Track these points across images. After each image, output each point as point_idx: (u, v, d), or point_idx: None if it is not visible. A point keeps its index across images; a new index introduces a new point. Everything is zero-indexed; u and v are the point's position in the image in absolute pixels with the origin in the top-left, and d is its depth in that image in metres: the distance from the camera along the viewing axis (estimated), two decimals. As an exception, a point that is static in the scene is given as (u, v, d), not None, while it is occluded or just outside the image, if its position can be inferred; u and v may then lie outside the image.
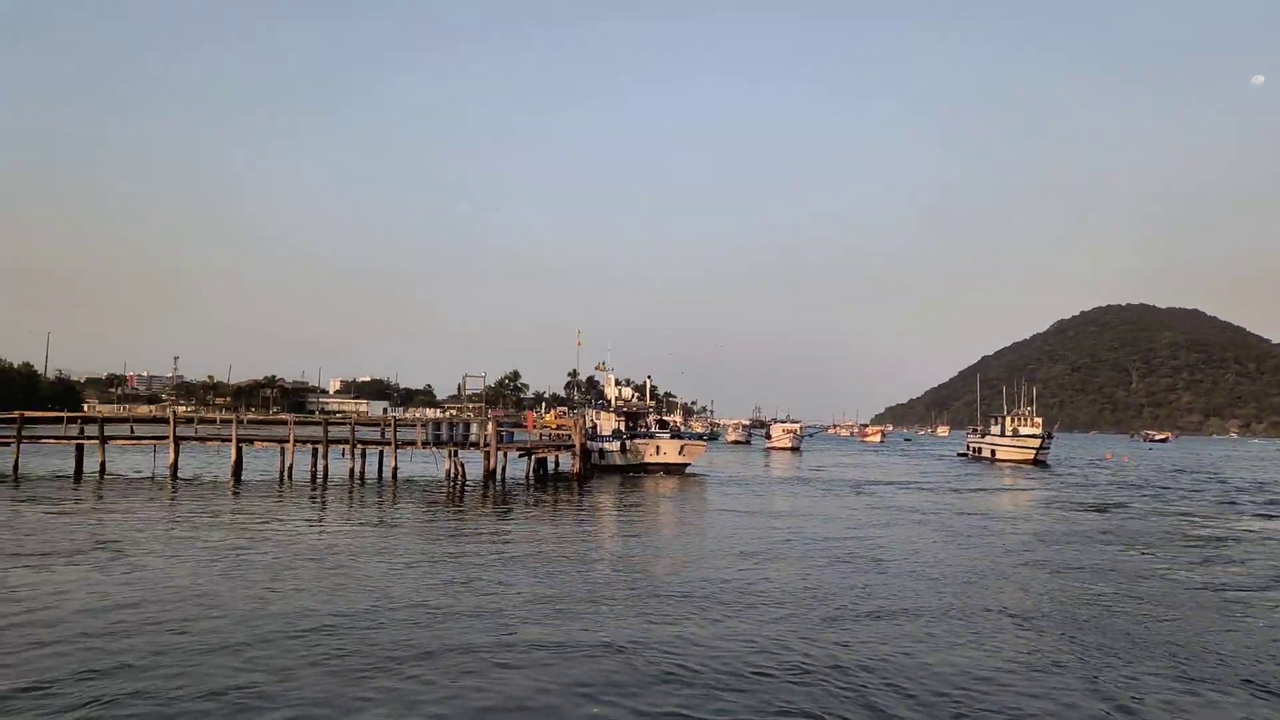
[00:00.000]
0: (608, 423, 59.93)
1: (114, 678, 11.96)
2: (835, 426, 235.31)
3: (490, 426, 47.47)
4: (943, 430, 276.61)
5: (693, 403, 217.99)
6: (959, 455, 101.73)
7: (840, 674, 12.94)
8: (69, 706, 10.85)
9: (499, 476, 46.08)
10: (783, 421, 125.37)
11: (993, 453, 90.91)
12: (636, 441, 56.60)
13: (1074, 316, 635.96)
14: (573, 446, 50.66)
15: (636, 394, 67.34)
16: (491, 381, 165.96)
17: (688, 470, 56.55)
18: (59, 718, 10.52)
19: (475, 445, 47.04)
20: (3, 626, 14.51)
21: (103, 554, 21.84)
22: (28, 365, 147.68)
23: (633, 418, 61.21)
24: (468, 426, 49.54)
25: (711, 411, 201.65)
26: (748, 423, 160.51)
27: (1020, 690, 12.50)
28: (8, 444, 46.05)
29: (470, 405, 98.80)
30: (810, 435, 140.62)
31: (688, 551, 25.11)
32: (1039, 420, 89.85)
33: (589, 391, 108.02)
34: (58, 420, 53.51)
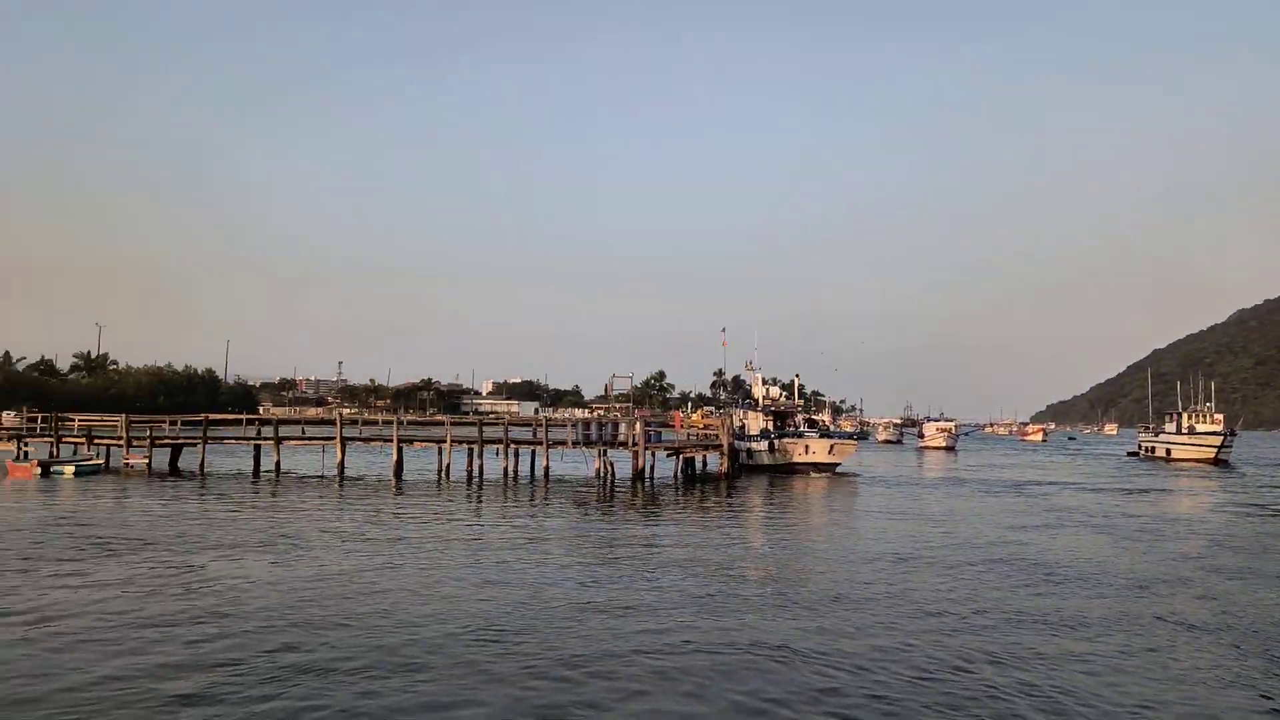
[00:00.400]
0: (755, 422, 59.57)
1: (300, 656, 12.71)
2: (992, 425, 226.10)
3: (638, 426, 47.97)
4: (1110, 428, 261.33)
5: (841, 401, 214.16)
6: (1129, 455, 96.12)
7: (996, 695, 12.11)
8: (266, 681, 11.59)
9: (647, 476, 46.49)
10: (936, 420, 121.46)
11: (1168, 452, 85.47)
12: (785, 441, 55.98)
13: (1257, 306, 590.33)
14: (720, 446, 50.60)
15: (784, 393, 66.64)
16: (638, 382, 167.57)
17: (838, 470, 55.57)
18: (261, 689, 11.25)
19: (624, 445, 47.63)
20: (205, 612, 15.67)
21: (283, 546, 23.34)
22: (210, 371, 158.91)
23: (781, 417, 60.62)
24: (616, 426, 50.19)
25: (860, 410, 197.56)
26: (899, 421, 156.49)
27: (1201, 712, 11.65)
28: (194, 444, 49.86)
29: (617, 405, 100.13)
30: (965, 434, 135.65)
31: (838, 553, 24.65)
32: (1220, 417, 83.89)
33: (735, 391, 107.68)
34: (237, 422, 57.50)
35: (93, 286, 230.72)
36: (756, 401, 61.61)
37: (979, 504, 39.78)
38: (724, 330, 68.10)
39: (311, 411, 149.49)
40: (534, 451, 48.71)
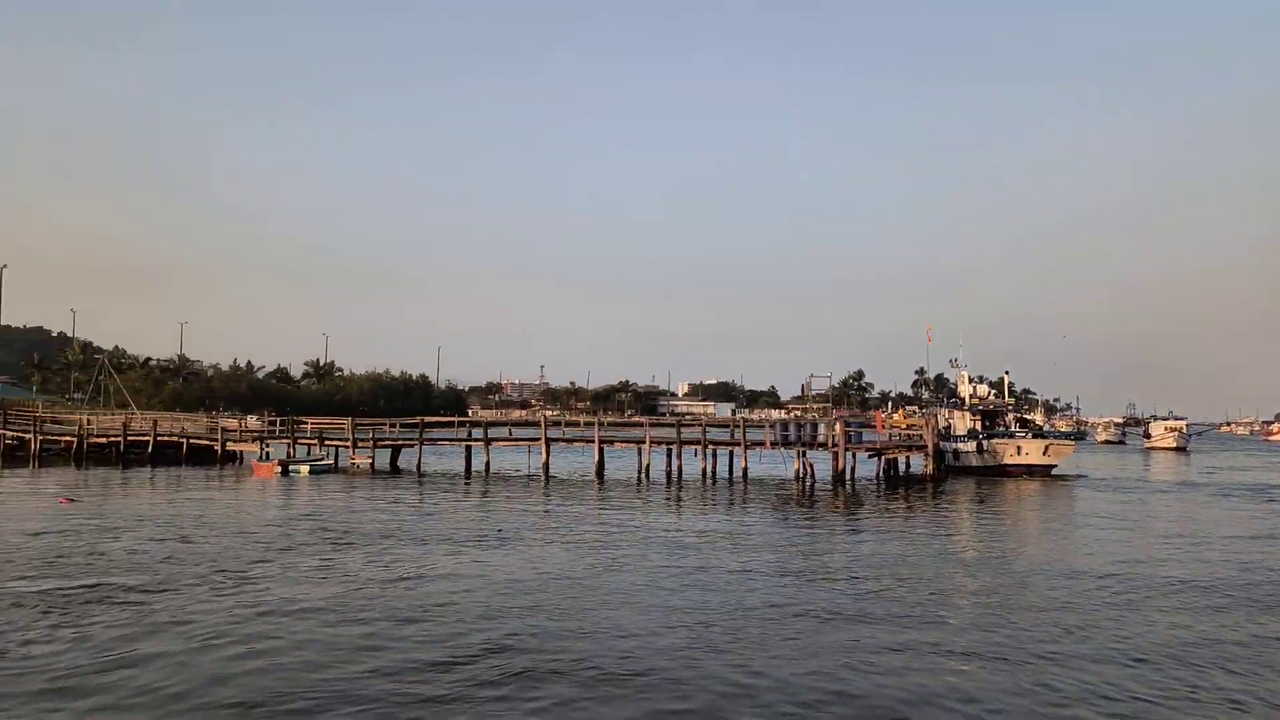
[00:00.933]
0: (962, 422, 56.98)
1: (519, 659, 13.13)
2: (1230, 424, 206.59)
3: (838, 427, 46.94)
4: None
5: (1055, 399, 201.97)
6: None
7: None
8: (487, 658, 12.02)
9: (848, 477, 45.42)
10: (1164, 419, 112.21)
11: None
12: (994, 441, 53.28)
13: None
14: (925, 447, 48.76)
15: (993, 390, 63.42)
16: (835, 382, 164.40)
17: (1054, 473, 52.31)
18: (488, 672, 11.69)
19: (823, 445, 46.72)
20: (441, 601, 16.57)
21: (500, 541, 24.40)
22: (424, 376, 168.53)
23: (990, 416, 57.68)
24: (815, 427, 49.30)
25: (1077, 409, 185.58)
26: (1120, 421, 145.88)
27: None
28: (412, 445, 52.98)
29: (815, 406, 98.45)
30: (1198, 434, 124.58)
31: (1055, 561, 23.02)
32: None
33: (939, 390, 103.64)
34: (449, 424, 60.65)
35: (318, 298, 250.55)
36: (963, 400, 58.92)
37: (1218, 512, 36.32)
38: (929, 327, 65.72)
39: (516, 414, 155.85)
40: (732, 452, 48.61)
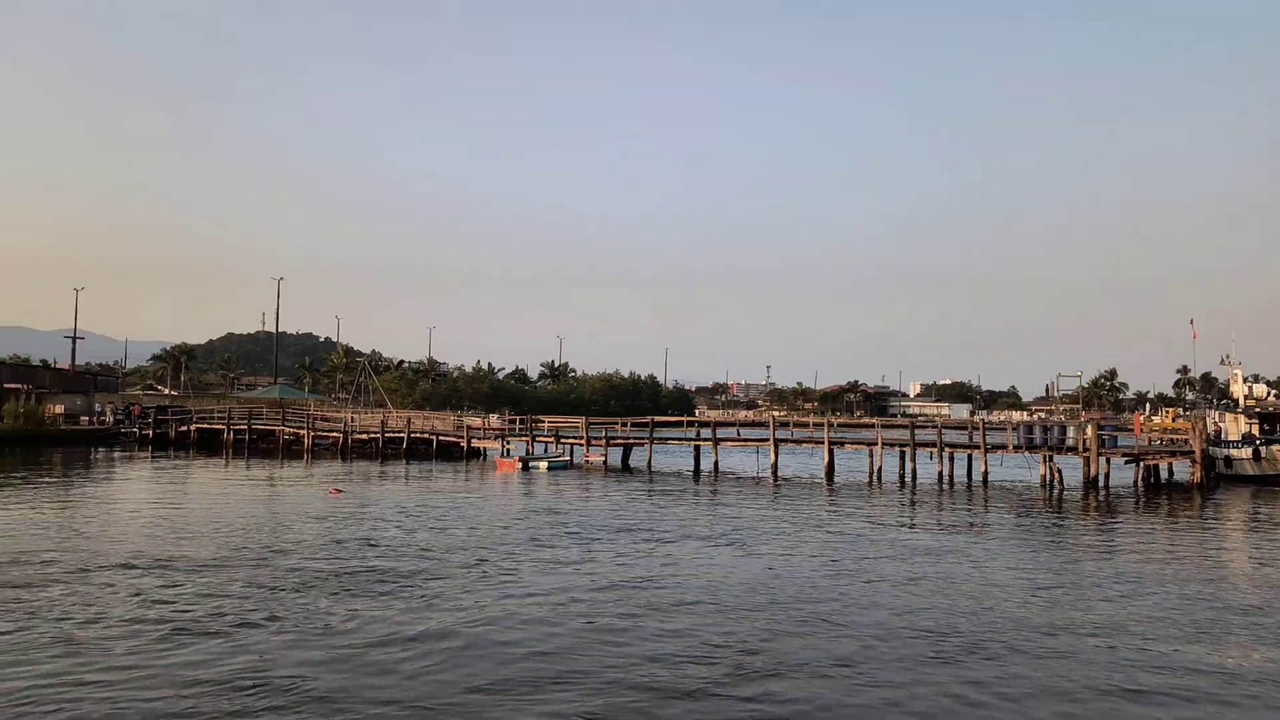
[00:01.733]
0: (1235, 425, 51.58)
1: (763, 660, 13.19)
2: None
3: (1090, 429, 43.77)
4: None
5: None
6: None
7: None
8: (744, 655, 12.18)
9: (1101, 484, 42.19)
10: None
11: None
12: (1274, 448, 47.76)
13: None
14: (1191, 452, 44.51)
15: (1273, 391, 57.02)
16: (1085, 381, 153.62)
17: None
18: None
19: (1073, 449, 43.69)
20: (688, 595, 17.13)
21: (733, 541, 24.70)
22: (652, 377, 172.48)
23: (1269, 420, 51.81)
24: (1064, 429, 46.18)
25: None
26: None
27: None
28: (642, 443, 54.26)
29: (1061, 407, 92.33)
30: None
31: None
32: None
33: (1205, 390, 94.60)
34: (678, 423, 61.74)
35: (554, 303, 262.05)
36: (1236, 401, 53.32)
37: None
38: (1193, 321, 60.01)
39: (743, 414, 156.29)
40: (970, 455, 46.41)
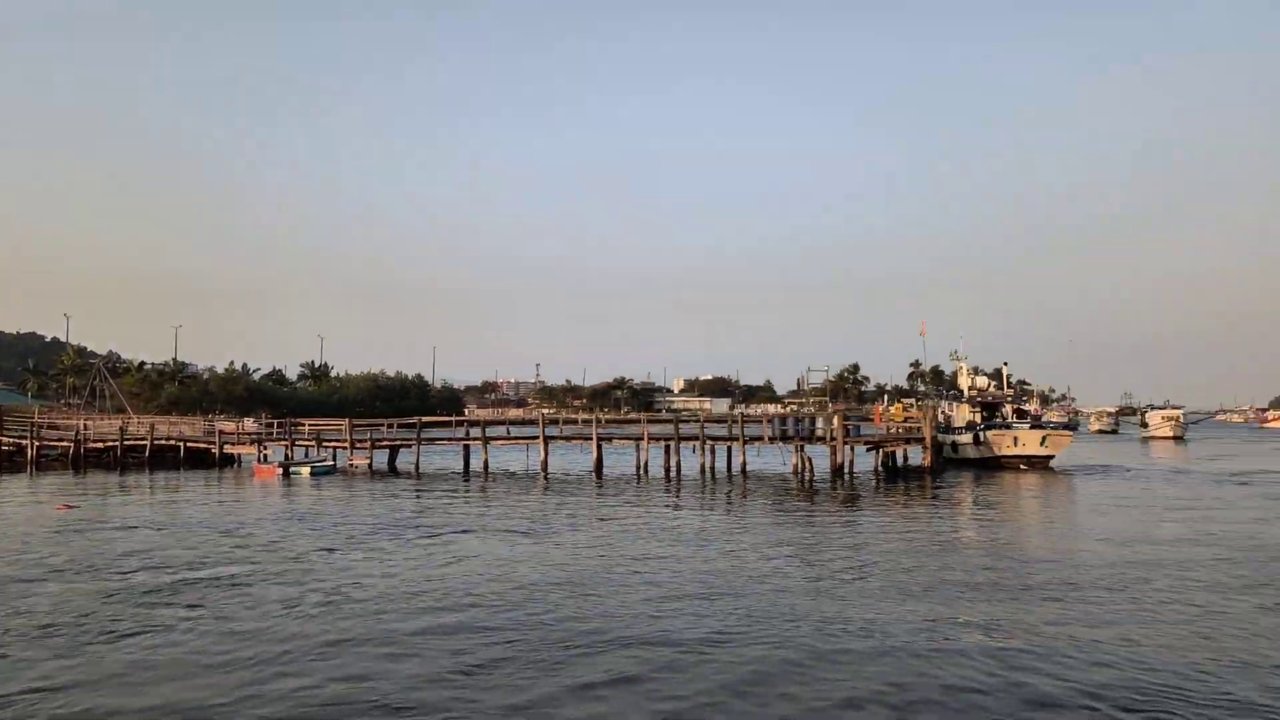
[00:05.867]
0: (962, 414, 56.95)
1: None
2: (1225, 413, 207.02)
3: (837, 420, 46.94)
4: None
5: (1049, 390, 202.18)
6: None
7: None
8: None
9: (847, 471, 45.44)
10: (1160, 408, 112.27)
11: None
12: (992, 433, 53.06)
13: None
14: (923, 439, 48.78)
15: (993, 383, 63.38)
16: (831, 375, 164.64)
17: (1052, 464, 52.21)
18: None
19: (821, 439, 46.72)
20: (483, 581, 16.64)
21: (526, 533, 24.41)
22: (419, 376, 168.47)
23: (989, 408, 57.49)
24: (813, 421, 49.32)
25: (1072, 399, 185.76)
26: (1113, 410, 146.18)
27: None
28: (410, 445, 52.83)
29: (812, 400, 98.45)
30: (1194, 423, 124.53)
31: (1054, 549, 23.06)
32: None
33: (935, 382, 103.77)
34: (446, 423, 60.52)
35: (314, 302, 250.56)
36: (962, 392, 58.92)
37: (1219, 496, 36.40)
38: (924, 321, 65.76)
39: (513, 412, 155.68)
40: (730, 448, 48.57)
